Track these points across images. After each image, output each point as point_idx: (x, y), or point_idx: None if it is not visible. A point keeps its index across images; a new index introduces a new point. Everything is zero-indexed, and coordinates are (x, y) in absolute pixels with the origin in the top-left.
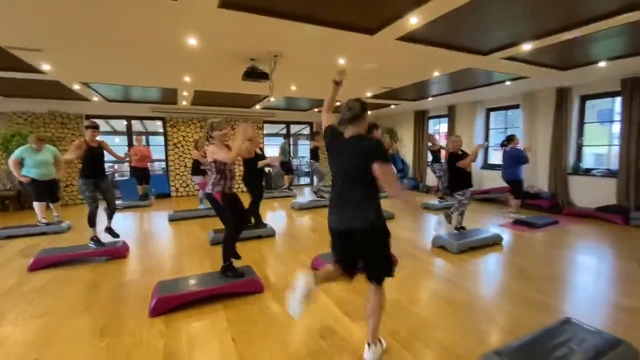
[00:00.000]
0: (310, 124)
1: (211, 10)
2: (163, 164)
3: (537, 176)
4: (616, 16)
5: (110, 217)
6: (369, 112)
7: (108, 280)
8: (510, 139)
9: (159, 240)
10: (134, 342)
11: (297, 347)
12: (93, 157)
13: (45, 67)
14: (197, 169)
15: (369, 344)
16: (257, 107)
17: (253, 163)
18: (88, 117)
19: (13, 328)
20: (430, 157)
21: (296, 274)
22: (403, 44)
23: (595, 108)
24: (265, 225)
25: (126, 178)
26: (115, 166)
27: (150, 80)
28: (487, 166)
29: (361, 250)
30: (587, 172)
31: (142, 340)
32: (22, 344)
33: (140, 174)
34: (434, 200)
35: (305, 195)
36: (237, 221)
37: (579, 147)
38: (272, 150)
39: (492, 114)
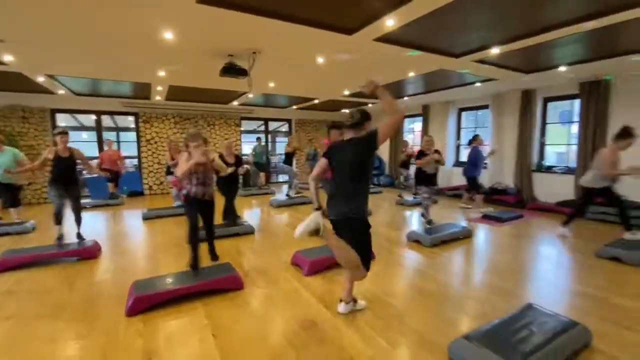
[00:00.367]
0: (289, 121)
1: (190, 6)
2: (135, 161)
3: (503, 173)
4: (575, 24)
5: (78, 223)
6: (346, 111)
7: (80, 281)
8: (473, 138)
9: (132, 239)
10: (110, 342)
11: (278, 339)
12: (64, 168)
13: (7, 58)
14: (169, 169)
15: (341, 300)
16: (235, 103)
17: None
18: (53, 111)
19: None
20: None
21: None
22: (380, 45)
23: (558, 109)
24: (239, 222)
25: (95, 176)
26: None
27: (122, 74)
28: (458, 164)
29: (353, 236)
30: (549, 169)
31: (119, 340)
32: None
33: (111, 175)
34: (408, 196)
35: (284, 193)
36: (188, 228)
37: (542, 146)
38: (249, 147)
39: (463, 113)
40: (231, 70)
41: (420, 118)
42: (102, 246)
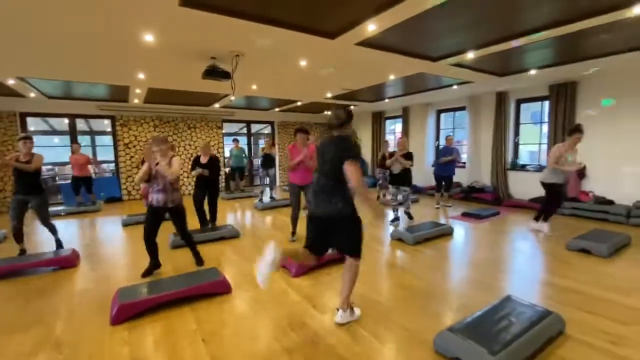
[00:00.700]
0: (272, 123)
1: (172, 8)
2: (112, 166)
3: (481, 172)
4: (543, 30)
5: (52, 233)
6: (329, 113)
7: (59, 291)
8: (445, 138)
9: (113, 247)
10: (95, 352)
11: (268, 341)
12: (22, 174)
13: None
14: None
15: (338, 309)
16: (216, 105)
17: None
18: (22, 114)
19: None
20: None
21: (267, 245)
22: (361, 49)
23: (530, 110)
24: (209, 228)
25: (69, 182)
26: (56, 169)
27: (99, 77)
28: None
29: (332, 232)
30: (523, 167)
31: (104, 349)
32: None
33: (80, 183)
34: (388, 196)
35: (267, 196)
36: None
37: (516, 145)
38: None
39: (442, 115)
40: (214, 72)
41: (401, 119)
42: (81, 254)
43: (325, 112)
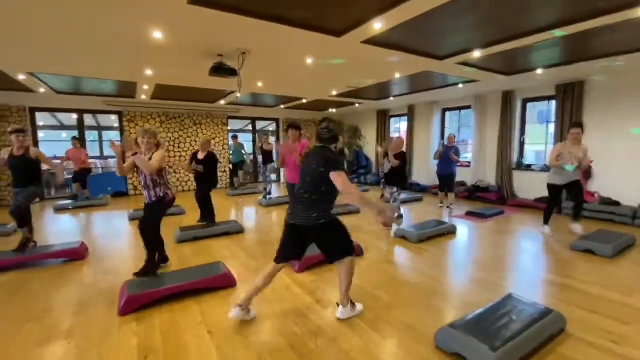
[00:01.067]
0: (277, 120)
1: (181, 7)
2: None
3: (486, 171)
4: (550, 30)
5: (19, 224)
6: (334, 111)
7: (68, 282)
8: (448, 138)
9: (120, 240)
10: (105, 342)
11: (272, 334)
12: (14, 167)
13: None
14: None
15: (338, 305)
16: (222, 102)
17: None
18: (32, 109)
19: None
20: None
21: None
22: (367, 47)
23: (536, 109)
24: (211, 222)
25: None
26: (65, 163)
27: (108, 73)
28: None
29: (305, 241)
30: (528, 167)
31: (114, 339)
32: None
33: (82, 176)
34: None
35: (272, 192)
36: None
37: (522, 145)
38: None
39: (447, 113)
40: (220, 70)
41: (406, 118)
42: (90, 247)
43: (330, 110)
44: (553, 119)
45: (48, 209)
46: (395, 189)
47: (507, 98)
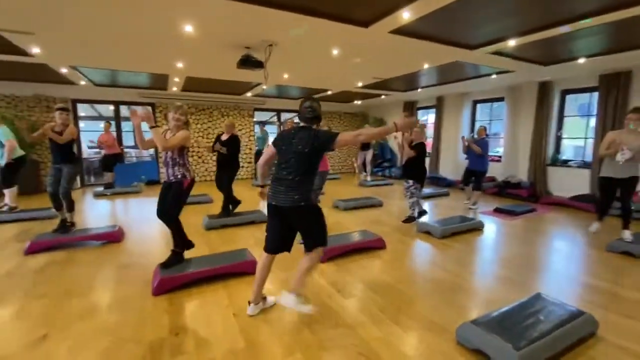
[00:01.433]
0: None
1: (212, 0)
2: (152, 151)
3: (517, 166)
4: (595, 16)
5: (68, 209)
6: (359, 102)
7: (106, 263)
8: (478, 130)
9: (153, 226)
10: (140, 318)
11: (294, 320)
12: (55, 144)
13: (35, 50)
14: None
15: (288, 292)
16: (249, 94)
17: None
18: (74, 101)
19: (16, 307)
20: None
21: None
22: (395, 37)
23: (578, 101)
24: (228, 213)
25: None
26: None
27: (142, 66)
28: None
29: (286, 223)
30: (565, 163)
31: (147, 316)
32: (28, 322)
33: (110, 161)
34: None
35: None
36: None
37: (558, 139)
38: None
39: (478, 105)
40: (248, 62)
41: (434, 110)
42: (125, 231)
43: (355, 102)
44: (595, 112)
45: (88, 195)
46: (410, 183)
47: (544, 89)
